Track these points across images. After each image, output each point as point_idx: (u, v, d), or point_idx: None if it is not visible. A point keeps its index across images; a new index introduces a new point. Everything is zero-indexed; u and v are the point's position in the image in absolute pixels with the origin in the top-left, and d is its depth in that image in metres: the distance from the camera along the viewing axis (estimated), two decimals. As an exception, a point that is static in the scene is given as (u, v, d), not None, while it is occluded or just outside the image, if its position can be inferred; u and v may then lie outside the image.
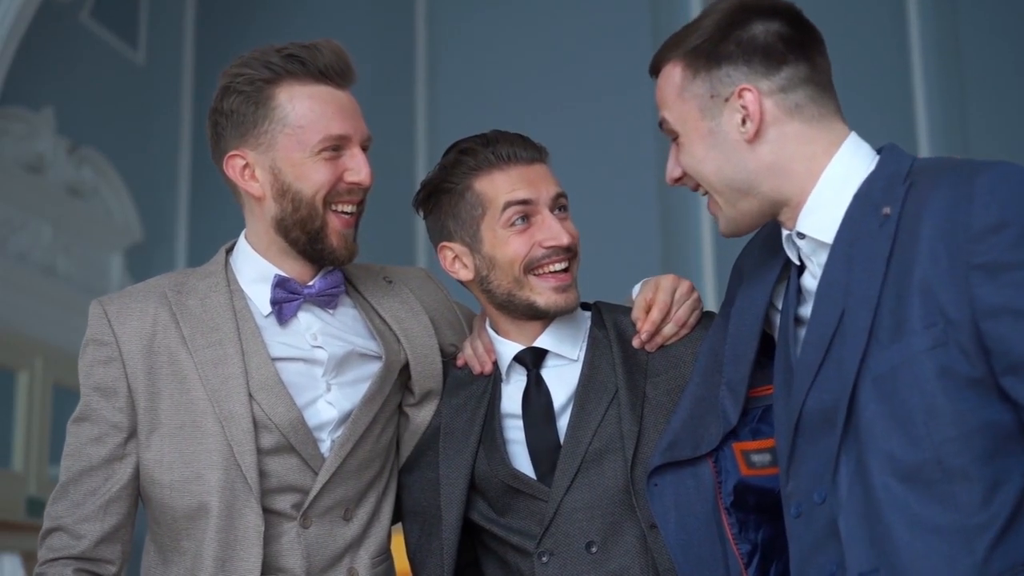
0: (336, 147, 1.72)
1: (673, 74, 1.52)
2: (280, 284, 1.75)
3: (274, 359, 1.73)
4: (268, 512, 1.69)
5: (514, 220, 1.74)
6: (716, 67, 1.48)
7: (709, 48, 1.49)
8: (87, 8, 5.30)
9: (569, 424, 1.73)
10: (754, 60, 1.47)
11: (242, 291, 1.78)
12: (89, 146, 5.24)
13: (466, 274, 1.79)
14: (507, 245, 1.74)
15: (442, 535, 1.75)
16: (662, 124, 1.55)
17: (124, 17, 5.60)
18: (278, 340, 1.75)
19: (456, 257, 1.79)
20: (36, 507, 4.56)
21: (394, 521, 1.85)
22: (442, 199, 1.79)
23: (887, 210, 1.40)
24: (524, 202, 1.74)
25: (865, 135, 1.51)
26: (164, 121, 5.75)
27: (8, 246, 4.79)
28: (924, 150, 4.86)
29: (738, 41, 1.47)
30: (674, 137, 1.54)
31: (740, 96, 1.47)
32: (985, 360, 1.31)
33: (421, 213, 1.85)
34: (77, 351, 1.77)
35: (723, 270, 4.41)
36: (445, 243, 1.80)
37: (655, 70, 1.56)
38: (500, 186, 1.75)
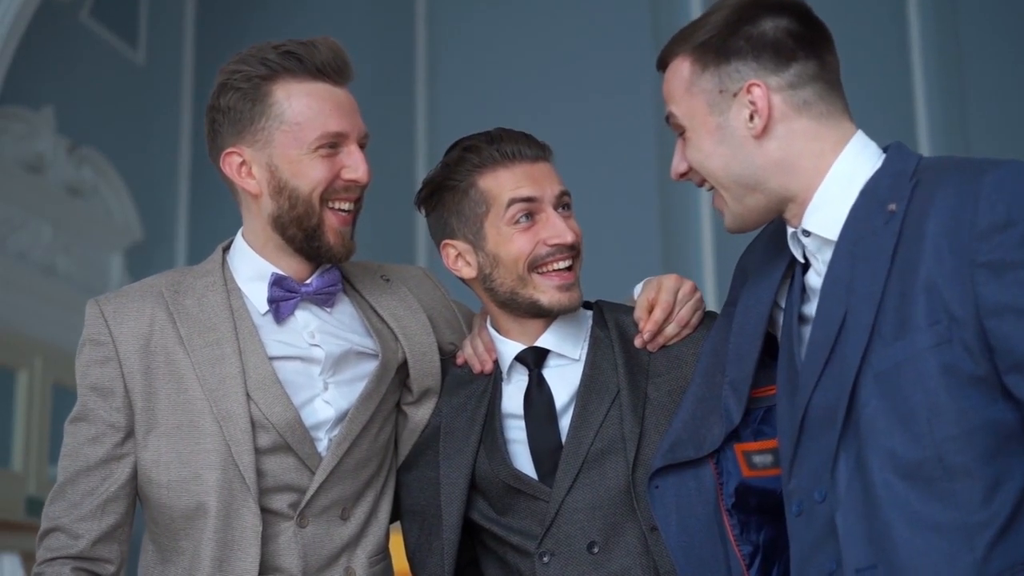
0: (333, 144, 1.72)
1: (681, 69, 1.52)
2: (277, 282, 1.75)
3: (271, 358, 1.72)
4: (265, 512, 1.68)
5: (518, 218, 1.74)
6: (725, 62, 1.48)
7: (718, 43, 1.48)
8: (87, 8, 5.30)
9: (571, 424, 1.73)
10: (763, 56, 1.46)
11: (239, 289, 1.77)
12: (89, 146, 5.23)
13: (469, 272, 1.78)
14: (511, 243, 1.74)
15: (442, 535, 1.75)
16: (669, 118, 1.55)
17: (124, 17, 5.60)
18: (275, 338, 1.75)
19: (459, 255, 1.79)
20: (36, 507, 4.56)
21: (392, 520, 1.85)
22: (445, 196, 1.78)
23: (892, 207, 1.40)
24: (528, 199, 1.74)
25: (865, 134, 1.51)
26: (164, 121, 5.75)
27: (8, 246, 4.79)
28: (924, 150, 4.86)
29: (747, 36, 1.47)
30: (681, 132, 1.54)
31: (749, 91, 1.47)
32: (989, 358, 1.31)
33: (423, 211, 1.84)
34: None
35: (723, 269, 4.41)
36: (448, 241, 1.79)
37: (663, 65, 1.56)
38: (504, 183, 1.74)
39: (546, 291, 1.74)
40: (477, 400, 1.79)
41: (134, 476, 1.72)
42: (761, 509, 1.59)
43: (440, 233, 1.81)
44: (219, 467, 1.67)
